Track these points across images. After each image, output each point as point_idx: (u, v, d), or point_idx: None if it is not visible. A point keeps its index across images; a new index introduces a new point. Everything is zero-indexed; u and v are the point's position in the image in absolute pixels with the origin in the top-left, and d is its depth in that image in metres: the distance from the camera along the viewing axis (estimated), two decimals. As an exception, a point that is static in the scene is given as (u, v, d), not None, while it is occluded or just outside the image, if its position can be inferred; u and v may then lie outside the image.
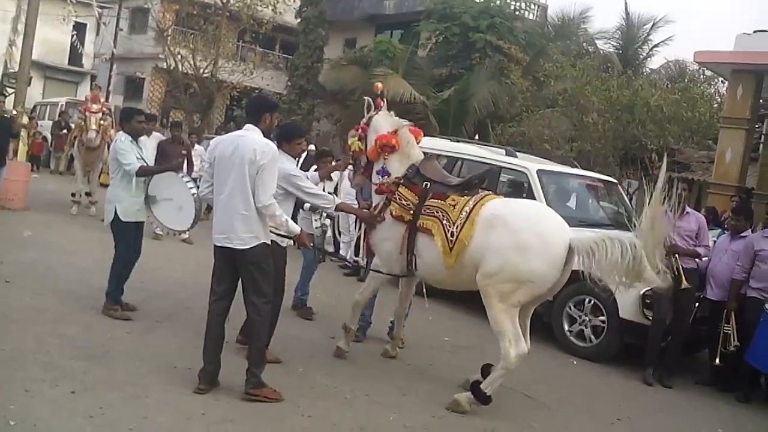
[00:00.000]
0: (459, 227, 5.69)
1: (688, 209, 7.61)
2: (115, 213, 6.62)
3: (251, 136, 5.10)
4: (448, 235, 5.73)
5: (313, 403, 5.21)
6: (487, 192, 6.10)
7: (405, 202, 6.05)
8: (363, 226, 6.38)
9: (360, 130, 6.48)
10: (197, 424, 4.57)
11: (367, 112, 6.50)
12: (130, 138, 6.76)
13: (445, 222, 5.78)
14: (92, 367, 5.19)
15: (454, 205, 5.83)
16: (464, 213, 5.74)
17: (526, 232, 5.46)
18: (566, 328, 8.04)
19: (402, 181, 6.16)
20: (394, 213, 6.09)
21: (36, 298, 6.72)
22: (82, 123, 12.29)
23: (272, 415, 4.90)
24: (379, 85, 6.79)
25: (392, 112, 6.58)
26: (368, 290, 6.50)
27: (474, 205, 5.76)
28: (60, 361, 5.20)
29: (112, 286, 6.64)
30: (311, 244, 6.08)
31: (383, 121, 6.39)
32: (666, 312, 7.28)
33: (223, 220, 5.08)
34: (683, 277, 7.19)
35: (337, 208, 6.19)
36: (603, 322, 7.76)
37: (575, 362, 7.72)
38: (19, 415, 4.24)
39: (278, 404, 5.07)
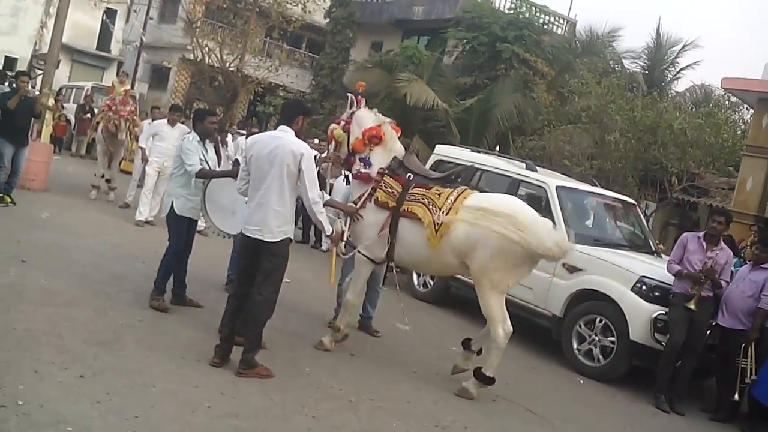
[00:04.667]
0: (445, 212, 6.21)
1: (722, 244, 7.65)
2: (172, 207, 6.74)
3: (287, 137, 5.51)
4: (435, 218, 6.22)
5: (318, 404, 5.22)
6: (466, 187, 6.55)
7: (390, 190, 6.53)
8: (349, 220, 6.74)
9: (344, 123, 6.80)
10: (202, 416, 4.59)
11: (350, 108, 6.80)
12: (198, 138, 6.82)
13: (431, 207, 6.29)
14: (102, 352, 5.23)
15: (439, 194, 6.37)
16: (449, 201, 6.26)
17: (511, 224, 6.00)
18: (575, 346, 8.01)
19: (387, 171, 6.62)
20: (379, 199, 6.52)
21: (50, 280, 6.77)
22: (110, 113, 12.39)
23: (276, 413, 4.92)
24: (362, 83, 7.10)
25: (375, 110, 6.92)
26: (358, 285, 6.73)
27: (458, 196, 6.30)
28: (71, 345, 5.24)
29: (160, 275, 6.72)
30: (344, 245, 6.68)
31: (366, 116, 6.75)
32: (681, 337, 7.22)
33: (257, 214, 5.47)
34: (694, 299, 7.19)
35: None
36: (612, 342, 7.73)
37: (582, 381, 7.69)
38: (27, 396, 4.27)
39: (283, 403, 5.10)
